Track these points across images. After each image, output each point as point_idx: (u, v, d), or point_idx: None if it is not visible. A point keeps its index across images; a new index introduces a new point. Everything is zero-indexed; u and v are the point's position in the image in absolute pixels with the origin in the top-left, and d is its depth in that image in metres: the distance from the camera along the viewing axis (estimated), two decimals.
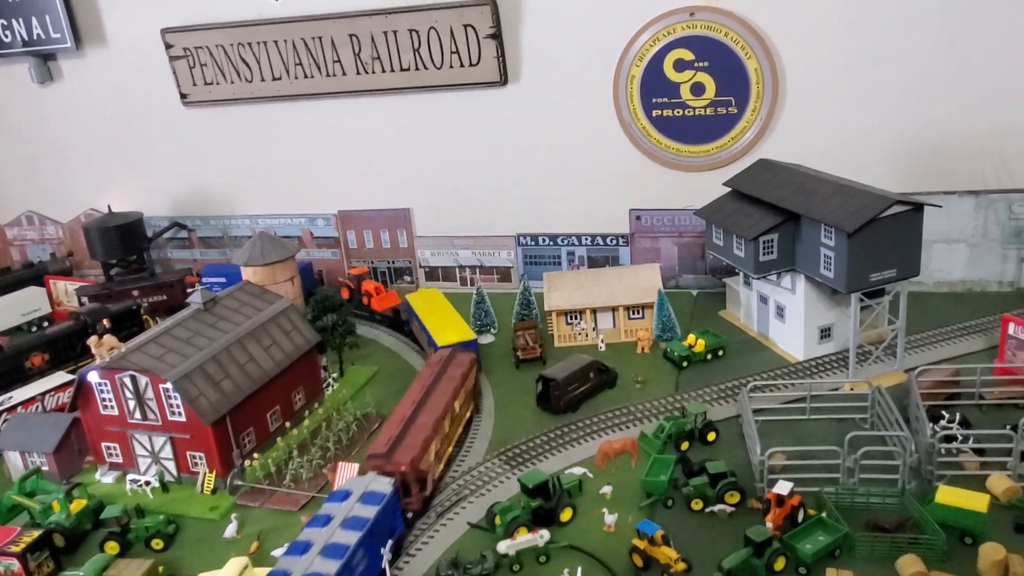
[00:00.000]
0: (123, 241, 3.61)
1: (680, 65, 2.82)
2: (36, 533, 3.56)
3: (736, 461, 2.88)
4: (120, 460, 3.64)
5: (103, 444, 3.64)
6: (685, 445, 2.89)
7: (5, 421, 4.20)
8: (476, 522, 3.26)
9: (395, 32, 2.90)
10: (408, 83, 3.02)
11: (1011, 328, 2.79)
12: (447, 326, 3.25)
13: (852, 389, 2.83)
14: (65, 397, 4.31)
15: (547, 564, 3.21)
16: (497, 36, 2.84)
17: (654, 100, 2.90)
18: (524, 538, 3.30)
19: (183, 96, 3.25)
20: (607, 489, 3.53)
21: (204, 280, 3.64)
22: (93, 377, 3.55)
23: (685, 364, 3.25)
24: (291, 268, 3.35)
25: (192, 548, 3.56)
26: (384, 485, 3.26)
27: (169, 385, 3.26)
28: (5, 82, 3.58)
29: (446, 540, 3.39)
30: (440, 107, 3.14)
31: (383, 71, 2.99)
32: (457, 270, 3.53)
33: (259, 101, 3.25)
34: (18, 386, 4.46)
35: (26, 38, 3.18)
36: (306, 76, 3.07)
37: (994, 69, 2.71)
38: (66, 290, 4.08)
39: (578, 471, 3.17)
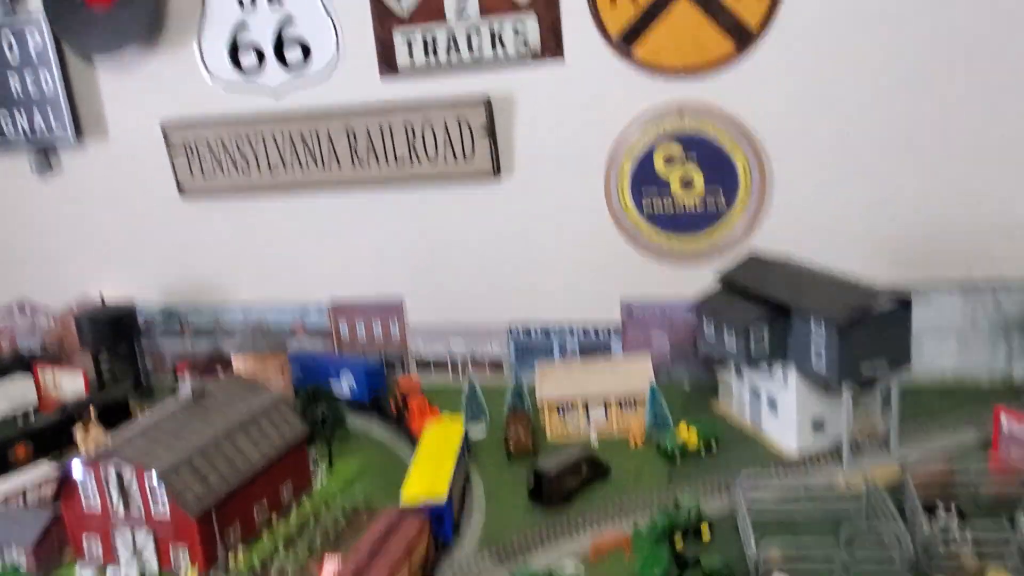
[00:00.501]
0: (114, 330, 3.61)
1: (670, 160, 2.89)
2: None
3: (731, 556, 2.84)
4: (101, 554, 3.56)
5: (84, 537, 3.57)
6: (679, 539, 2.85)
7: None
8: None
9: (391, 126, 2.98)
10: (402, 175, 3.09)
11: (1004, 420, 2.80)
12: (427, 474, 2.96)
13: (847, 482, 2.81)
14: (48, 490, 4.23)
15: None
16: (491, 131, 2.92)
17: (644, 193, 2.97)
18: None
19: (180, 187, 3.31)
20: None
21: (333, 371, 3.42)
22: (77, 469, 3.51)
23: (678, 457, 3.24)
24: (282, 358, 3.36)
25: None
26: None
27: (155, 478, 3.23)
28: (4, 173, 3.64)
29: None
30: (434, 199, 3.20)
31: (378, 164, 3.06)
32: (449, 361, 3.53)
33: (255, 192, 3.30)
34: (1, 478, 4.38)
35: (28, 131, 3.26)
36: (302, 168, 3.14)
37: (978, 162, 2.78)
38: (54, 380, 4.06)
39: (571, 567, 3.12)
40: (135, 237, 3.57)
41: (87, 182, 3.50)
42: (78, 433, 3.66)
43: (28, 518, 3.53)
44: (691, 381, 3.29)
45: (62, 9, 2.92)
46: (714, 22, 2.63)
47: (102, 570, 3.74)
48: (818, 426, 2.78)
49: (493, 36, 2.79)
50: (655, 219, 2.92)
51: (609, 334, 3.00)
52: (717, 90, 2.77)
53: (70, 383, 3.93)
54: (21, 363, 3.67)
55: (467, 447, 3.24)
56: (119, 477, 3.30)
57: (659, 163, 2.85)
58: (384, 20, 2.82)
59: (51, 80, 3.09)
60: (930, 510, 2.72)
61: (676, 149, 2.81)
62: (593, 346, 3.07)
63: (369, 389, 3.28)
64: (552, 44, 2.72)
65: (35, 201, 3.63)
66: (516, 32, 2.74)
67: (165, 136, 3.05)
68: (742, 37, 2.56)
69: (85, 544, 3.50)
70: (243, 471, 3.42)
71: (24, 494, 4.00)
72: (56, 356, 3.69)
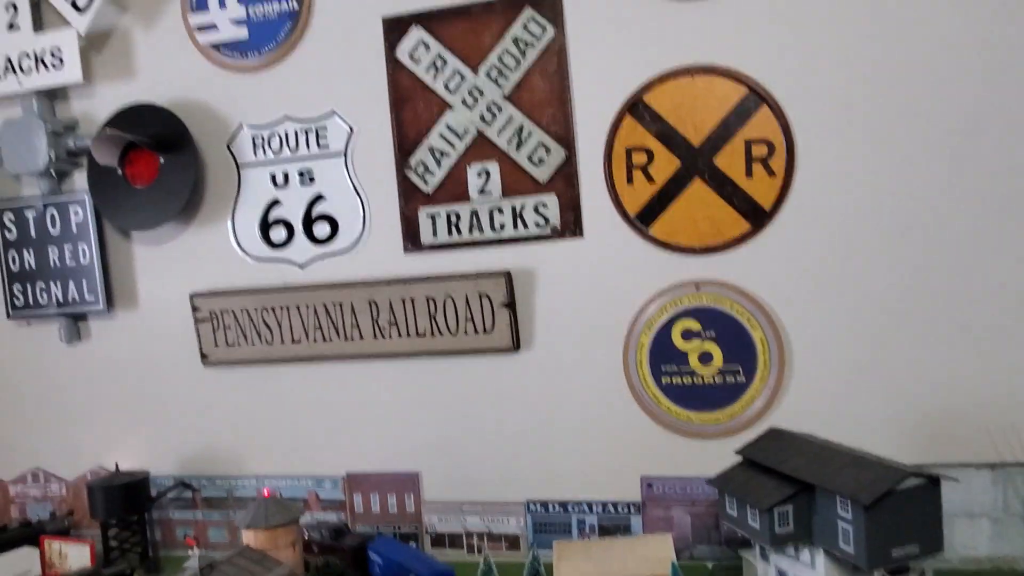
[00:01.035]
0: (126, 500, 3.57)
1: (688, 334, 2.92)
2: None
3: None
4: None
5: None
6: None
7: None
8: None
9: (412, 300, 3.04)
10: (423, 348, 3.12)
11: None
12: None
13: None
14: None
15: None
16: (511, 305, 2.98)
17: (663, 368, 2.98)
18: None
19: (204, 356, 3.36)
20: None
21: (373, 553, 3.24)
22: None
23: None
24: (294, 532, 3.28)
25: None
26: None
27: None
28: (33, 341, 3.72)
29: None
30: (453, 372, 3.22)
31: (399, 336, 3.10)
32: (464, 537, 3.44)
33: (277, 363, 3.34)
34: None
35: (61, 300, 3.35)
36: (325, 339, 3.19)
37: (1006, 336, 2.76)
38: (60, 551, 3.97)
39: None
40: (155, 406, 3.59)
41: (113, 351, 3.56)
42: None
43: None
44: (714, 561, 3.18)
45: (106, 185, 3.07)
46: (728, 203, 2.73)
47: None
48: None
49: (515, 214, 2.89)
50: (674, 394, 2.91)
51: (629, 510, 2.93)
52: (733, 267, 2.82)
53: (77, 555, 3.84)
54: (28, 533, 3.61)
55: None
56: None
57: (677, 337, 2.88)
58: (410, 198, 2.94)
59: (88, 252, 3.21)
60: None
61: (694, 324, 2.84)
62: (613, 522, 3.00)
63: None
64: (571, 221, 2.82)
65: (60, 369, 3.68)
66: (537, 210, 2.84)
67: (193, 307, 3.13)
68: (756, 216, 2.65)
69: None
70: None
71: None
72: (65, 526, 3.63)
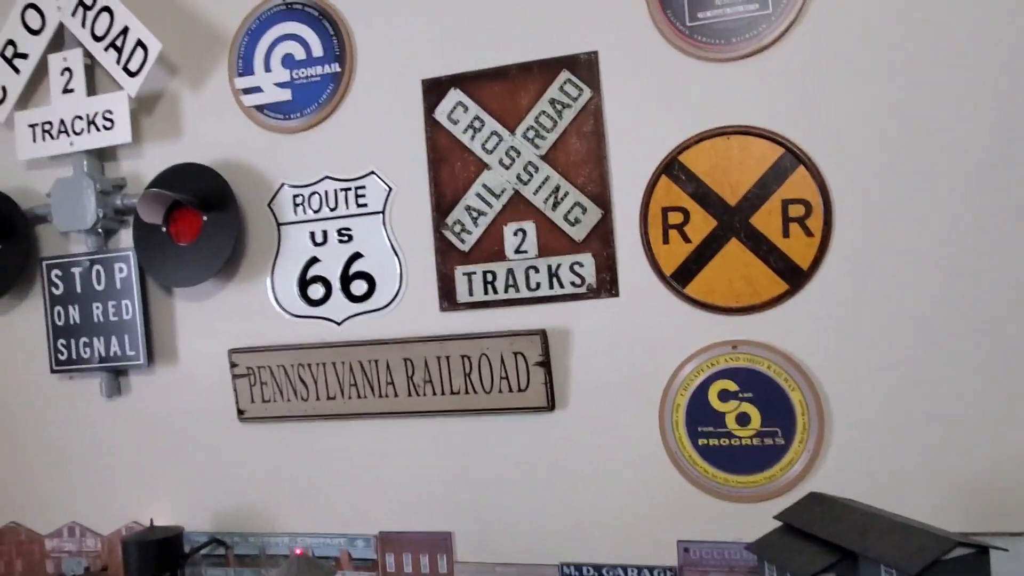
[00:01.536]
0: (159, 556, 3.57)
1: (724, 395, 2.89)
2: None
3: None
4: None
5: None
6: None
7: None
8: None
9: (448, 357, 3.05)
10: (457, 406, 3.11)
11: None
12: None
13: None
14: None
15: None
16: (546, 364, 2.97)
17: (700, 429, 2.94)
18: None
19: (240, 412, 3.38)
20: None
21: None
22: None
23: None
24: None
25: None
26: None
27: None
28: (75, 396, 3.77)
29: None
30: (487, 431, 3.20)
31: (434, 394, 3.11)
32: None
33: (311, 419, 3.35)
34: None
35: (103, 355, 3.41)
36: (359, 396, 3.20)
37: None
38: None
39: None
40: (191, 461, 3.61)
41: (152, 406, 3.61)
42: None
43: None
44: None
45: (150, 243, 3.15)
46: (765, 263, 2.72)
47: None
48: None
49: (550, 273, 2.91)
50: (712, 456, 2.87)
51: (666, 575, 2.87)
52: (770, 327, 2.80)
53: None
54: None
55: None
56: None
57: (714, 398, 2.85)
58: (447, 256, 2.98)
59: (131, 308, 3.28)
60: None
61: (731, 384, 2.82)
62: None
63: None
64: (607, 281, 2.82)
65: (100, 424, 3.73)
66: (572, 269, 2.85)
67: (231, 363, 3.16)
68: (794, 276, 2.64)
69: None
70: None
71: None
72: None
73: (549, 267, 2.92)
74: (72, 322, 3.40)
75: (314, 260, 3.19)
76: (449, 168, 2.99)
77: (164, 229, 3.19)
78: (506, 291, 2.97)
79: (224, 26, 3.28)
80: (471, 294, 3.00)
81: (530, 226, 2.93)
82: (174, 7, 3.35)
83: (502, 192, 2.95)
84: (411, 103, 3.06)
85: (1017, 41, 2.55)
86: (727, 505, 3.04)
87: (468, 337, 2.99)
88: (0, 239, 3.42)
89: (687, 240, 2.80)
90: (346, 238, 3.14)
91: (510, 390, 3.01)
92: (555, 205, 2.89)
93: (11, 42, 3.35)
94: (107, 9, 3.17)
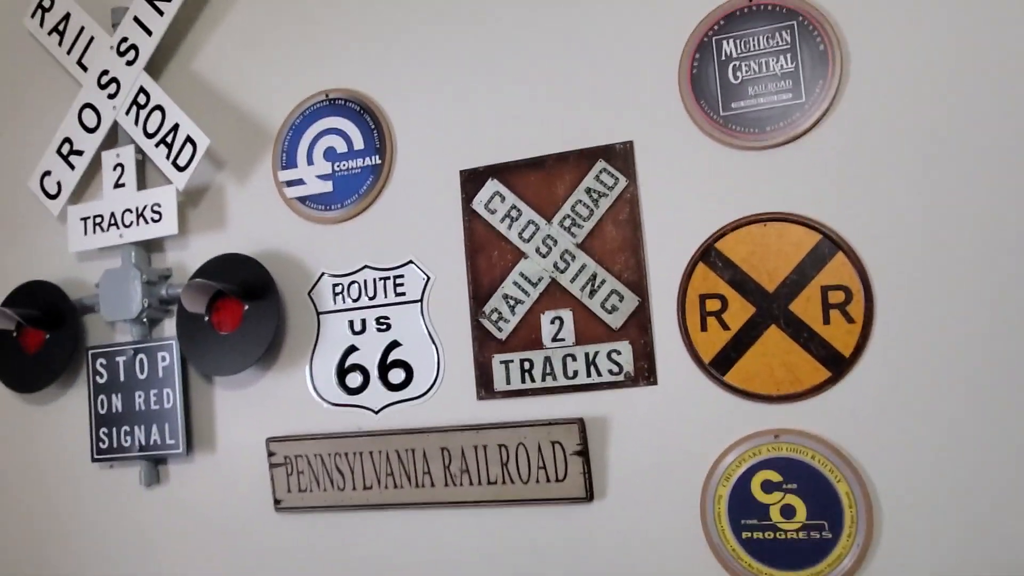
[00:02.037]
0: None
1: (768, 486, 2.81)
2: None
3: None
4: None
5: None
6: None
7: None
8: None
9: (485, 447, 3.02)
10: (494, 496, 3.07)
11: None
12: None
13: None
14: None
15: None
16: (584, 453, 2.93)
17: (743, 522, 2.85)
18: None
19: (277, 502, 3.36)
20: None
21: None
22: None
23: None
24: None
25: None
26: None
27: None
28: (114, 484, 3.77)
29: None
30: (524, 522, 3.14)
31: (470, 484, 3.07)
32: None
33: (347, 509, 3.32)
34: None
35: (143, 444, 3.43)
36: (396, 486, 3.17)
37: None
38: None
39: None
40: (227, 551, 3.59)
41: (190, 495, 3.61)
42: None
43: None
44: None
45: (193, 332, 3.20)
46: (806, 350, 2.68)
47: None
48: None
49: (588, 361, 2.89)
50: (756, 550, 2.78)
51: None
52: (813, 415, 2.75)
53: None
54: None
55: None
56: None
57: (757, 489, 2.77)
58: (484, 344, 2.98)
59: (172, 397, 3.31)
60: None
61: (774, 475, 2.75)
62: None
63: None
64: (645, 369, 2.80)
65: (138, 512, 3.73)
66: (610, 357, 2.84)
67: (268, 451, 3.17)
68: (836, 363, 2.60)
69: None
70: None
71: None
72: None
73: (586, 355, 2.91)
74: (114, 410, 3.44)
75: (352, 348, 3.21)
76: (486, 257, 3.02)
77: (207, 318, 3.24)
78: (543, 379, 2.96)
79: (269, 121, 3.40)
80: (508, 382, 2.99)
81: (567, 314, 2.93)
82: (223, 104, 3.48)
83: (539, 280, 2.97)
84: (449, 193, 3.12)
85: None
86: None
87: (505, 426, 2.96)
88: (49, 329, 3.50)
89: (725, 327, 2.77)
90: (384, 327, 3.16)
91: (547, 480, 2.97)
92: (592, 293, 2.90)
93: (67, 139, 3.50)
94: (159, 108, 3.31)
